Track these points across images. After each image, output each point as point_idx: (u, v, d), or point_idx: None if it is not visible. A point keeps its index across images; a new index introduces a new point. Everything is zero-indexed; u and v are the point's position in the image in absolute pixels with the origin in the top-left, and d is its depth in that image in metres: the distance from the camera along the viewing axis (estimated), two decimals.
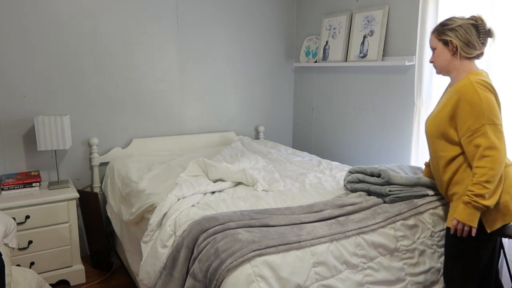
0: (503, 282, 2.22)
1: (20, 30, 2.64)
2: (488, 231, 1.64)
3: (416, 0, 2.61)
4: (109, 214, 2.82)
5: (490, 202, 1.57)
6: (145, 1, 3.04)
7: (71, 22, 2.79)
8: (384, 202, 1.93)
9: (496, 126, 1.60)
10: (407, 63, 2.67)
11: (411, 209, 1.89)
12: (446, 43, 1.73)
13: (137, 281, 2.25)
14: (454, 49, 1.72)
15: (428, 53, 2.58)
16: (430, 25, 2.54)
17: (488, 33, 1.71)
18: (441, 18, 2.51)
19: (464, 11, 2.41)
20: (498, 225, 1.64)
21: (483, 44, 1.70)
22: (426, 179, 2.04)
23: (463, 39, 1.69)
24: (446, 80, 2.53)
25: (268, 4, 3.63)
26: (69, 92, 2.85)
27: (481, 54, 1.73)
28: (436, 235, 1.96)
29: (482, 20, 1.70)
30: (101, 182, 3.01)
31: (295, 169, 2.63)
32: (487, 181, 1.56)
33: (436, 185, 1.98)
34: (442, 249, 1.97)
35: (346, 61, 3.15)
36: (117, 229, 2.63)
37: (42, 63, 2.74)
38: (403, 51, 2.77)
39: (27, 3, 2.63)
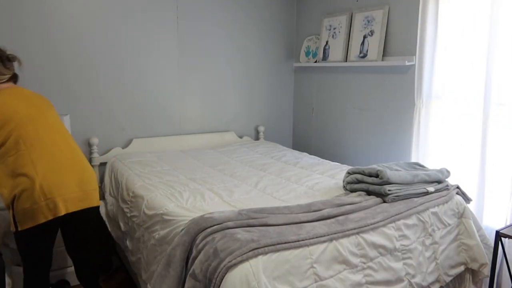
0: (503, 282, 2.20)
1: (20, 30, 2.64)
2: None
3: (416, 0, 2.61)
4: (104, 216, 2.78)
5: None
6: (145, 1, 3.04)
7: (71, 22, 2.79)
8: (384, 202, 1.93)
9: None
10: (407, 63, 2.67)
11: (410, 209, 1.88)
12: None
13: (137, 280, 2.25)
14: None
15: (428, 53, 2.58)
16: (430, 25, 2.54)
17: (10, 59, 1.93)
18: (441, 18, 2.52)
19: (464, 11, 2.42)
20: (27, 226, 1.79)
21: (10, 68, 1.93)
22: (423, 175, 2.04)
23: None
24: (446, 81, 2.55)
25: (268, 4, 3.63)
26: (69, 92, 2.85)
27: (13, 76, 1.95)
28: (436, 234, 1.96)
29: (2, 50, 1.91)
30: (101, 182, 3.01)
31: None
32: None
33: (435, 180, 1.98)
34: (442, 248, 1.97)
35: (346, 61, 3.15)
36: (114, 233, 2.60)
37: (42, 63, 2.74)
38: (403, 51, 2.77)
39: (27, 3, 2.64)
